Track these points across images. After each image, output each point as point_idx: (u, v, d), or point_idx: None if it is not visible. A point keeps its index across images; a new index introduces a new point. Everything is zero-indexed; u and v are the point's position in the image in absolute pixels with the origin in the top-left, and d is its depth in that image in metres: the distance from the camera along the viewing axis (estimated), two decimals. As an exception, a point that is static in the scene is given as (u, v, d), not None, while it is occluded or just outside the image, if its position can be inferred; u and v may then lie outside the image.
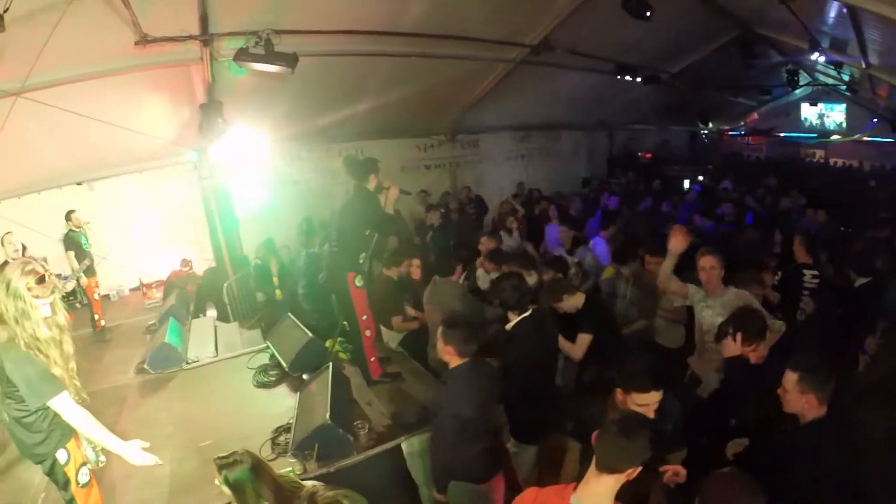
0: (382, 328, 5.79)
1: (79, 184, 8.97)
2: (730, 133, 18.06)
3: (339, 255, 5.10)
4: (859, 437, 2.81)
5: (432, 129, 11.93)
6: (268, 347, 5.99)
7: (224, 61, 6.74)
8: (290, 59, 6.26)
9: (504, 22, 7.96)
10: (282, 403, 5.00)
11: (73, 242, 7.52)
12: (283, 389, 5.30)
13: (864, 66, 9.32)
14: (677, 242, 4.30)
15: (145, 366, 5.94)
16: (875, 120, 13.69)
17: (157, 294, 8.76)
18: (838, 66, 10.44)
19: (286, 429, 4.39)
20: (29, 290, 2.82)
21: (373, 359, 5.11)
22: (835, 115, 14.99)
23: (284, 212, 9.24)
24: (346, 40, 7.16)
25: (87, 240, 7.82)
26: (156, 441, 3.81)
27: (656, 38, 9.29)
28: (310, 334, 5.37)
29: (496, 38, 8.31)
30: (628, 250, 5.71)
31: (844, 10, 7.07)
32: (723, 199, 9.79)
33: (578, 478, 2.31)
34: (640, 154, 16.49)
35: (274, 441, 4.28)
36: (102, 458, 3.37)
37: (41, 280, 2.87)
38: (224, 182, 8.39)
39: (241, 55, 6.23)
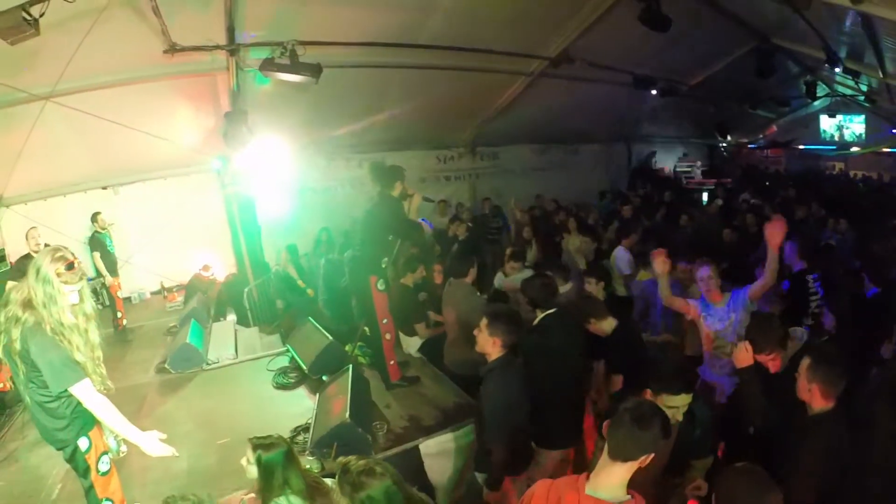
0: (401, 334, 5.85)
1: (104, 188, 9.20)
2: (749, 146, 17.95)
3: (362, 260, 5.16)
4: (864, 435, 2.80)
5: (452, 140, 12.05)
6: (288, 350, 6.07)
7: (249, 71, 6.93)
8: (314, 70, 6.40)
9: (524, 34, 8.07)
10: (301, 404, 5.08)
11: (98, 244, 7.70)
12: (302, 391, 5.37)
13: (881, 75, 9.27)
14: (659, 265, 4.44)
15: (166, 365, 6.06)
16: (894, 130, 13.56)
17: (179, 298, 8.89)
18: (856, 76, 10.37)
19: (304, 428, 4.46)
20: (58, 275, 2.90)
21: (392, 362, 5.17)
22: (854, 126, 14.87)
23: (305, 220, 9.39)
24: (368, 52, 7.33)
25: (112, 241, 7.99)
26: (174, 437, 3.88)
27: (674, 51, 9.33)
28: (330, 338, 5.43)
29: (516, 50, 8.42)
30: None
31: (859, 19, 7.04)
32: (742, 210, 9.73)
33: (590, 468, 2.33)
34: (657, 167, 16.45)
35: (292, 440, 4.31)
36: (124, 448, 3.44)
37: (70, 267, 2.94)
38: (247, 190, 8.53)
39: (267, 65, 6.39)
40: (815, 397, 2.79)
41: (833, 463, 2.64)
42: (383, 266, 4.95)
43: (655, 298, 5.26)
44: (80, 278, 3.03)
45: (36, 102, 6.58)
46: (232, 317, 7.94)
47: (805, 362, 2.84)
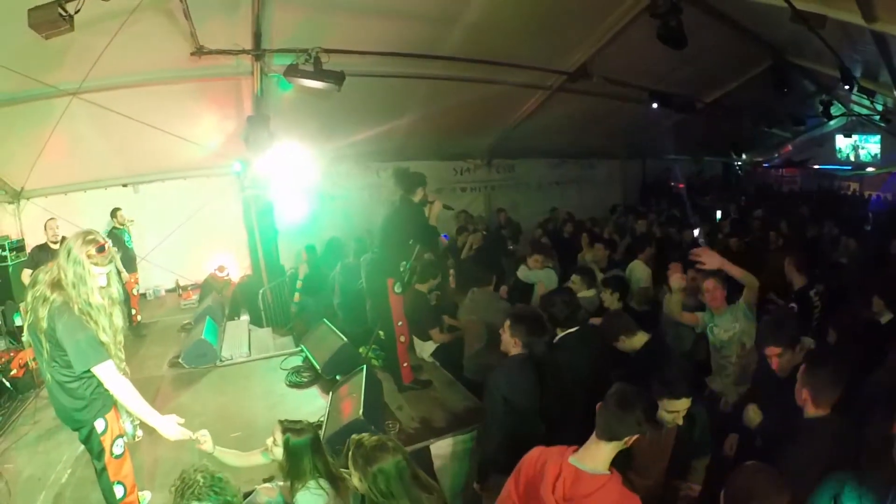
0: (414, 339, 5.91)
1: (124, 185, 9.38)
2: (764, 165, 17.92)
3: (380, 262, 5.24)
4: (853, 441, 2.80)
5: (469, 152, 12.16)
6: (301, 350, 6.15)
7: (273, 76, 7.07)
8: (337, 77, 6.53)
9: (543, 49, 8.15)
10: (313, 403, 5.14)
11: (116, 239, 7.81)
12: (314, 391, 5.43)
13: (896, 94, 9.28)
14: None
15: (180, 360, 6.13)
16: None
17: (193, 296, 9.02)
18: (871, 95, 10.36)
19: (317, 426, 4.50)
20: (89, 257, 3.00)
21: (405, 364, 5.23)
22: (870, 146, 14.81)
23: (322, 226, 9.48)
24: (391, 62, 7.43)
25: (131, 237, 8.12)
26: (187, 430, 4.02)
27: (691, 67, 9.38)
28: (344, 339, 5.51)
29: (535, 64, 8.51)
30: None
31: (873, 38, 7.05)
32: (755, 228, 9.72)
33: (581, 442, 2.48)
34: (672, 183, 16.46)
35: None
36: (140, 432, 3.52)
37: (101, 249, 3.05)
38: (266, 193, 8.66)
39: (291, 71, 6.53)
40: (807, 403, 2.85)
41: (817, 468, 2.64)
42: (402, 270, 5.03)
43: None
44: (110, 261, 3.13)
45: (62, 98, 6.78)
46: (245, 317, 8.03)
47: (802, 366, 2.92)
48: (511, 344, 3.63)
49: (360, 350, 5.62)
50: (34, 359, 5.68)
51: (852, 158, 15.30)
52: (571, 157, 13.67)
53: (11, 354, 5.97)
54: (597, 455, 2.35)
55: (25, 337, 5.47)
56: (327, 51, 6.57)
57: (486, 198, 12.69)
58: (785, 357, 3.36)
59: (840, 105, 12.77)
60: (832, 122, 13.95)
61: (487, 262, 7.41)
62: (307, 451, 2.95)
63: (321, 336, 6.01)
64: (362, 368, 4.77)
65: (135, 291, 7.97)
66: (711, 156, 16.69)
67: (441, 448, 4.34)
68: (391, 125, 9.25)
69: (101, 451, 3.23)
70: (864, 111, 12.82)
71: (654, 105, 9.91)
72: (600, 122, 11.40)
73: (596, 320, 4.85)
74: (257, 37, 6.49)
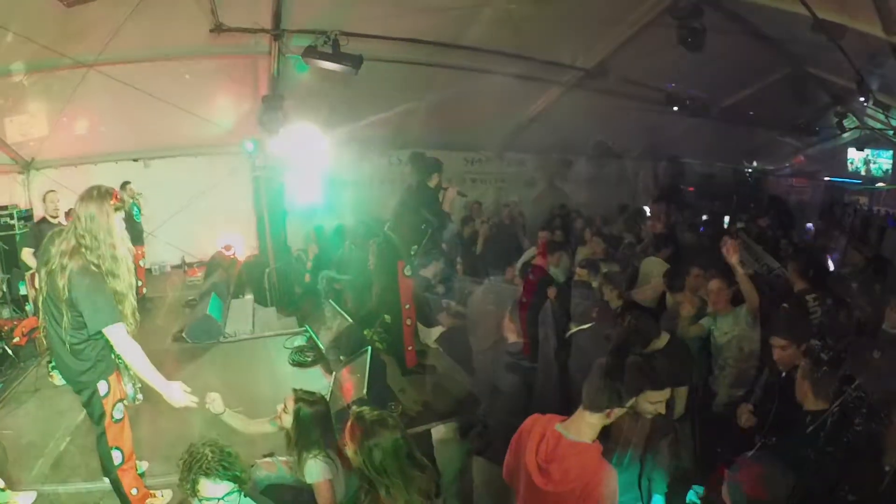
0: (419, 324, 5.93)
1: (135, 160, 9.37)
2: (775, 174, 17.84)
3: (391, 244, 5.26)
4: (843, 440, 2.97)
5: (482, 143, 12.11)
6: (306, 330, 6.17)
7: (291, 57, 7.06)
8: (355, 60, 6.52)
9: (562, 44, 8.16)
10: (316, 382, 5.15)
11: (125, 213, 7.79)
12: (318, 370, 5.48)
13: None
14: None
15: (184, 335, 6.17)
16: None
17: (199, 273, 9.06)
18: (887, 109, 10.31)
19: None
20: (113, 205, 3.16)
21: (410, 347, 5.26)
22: (882, 160, 14.72)
23: (332, 208, 9.40)
24: (410, 49, 7.44)
25: (140, 211, 8.13)
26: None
27: (708, 71, 9.34)
28: (350, 320, 5.54)
29: (553, 59, 8.51)
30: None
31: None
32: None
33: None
34: (682, 187, 16.38)
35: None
36: (140, 395, 3.55)
37: (115, 194, 3.24)
38: (277, 174, 8.66)
39: (310, 52, 6.52)
40: (803, 395, 3.02)
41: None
42: (412, 254, 5.05)
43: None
44: (124, 202, 3.34)
45: (78, 70, 6.77)
46: (250, 296, 8.06)
47: (802, 362, 3.05)
48: (508, 329, 3.68)
49: (365, 332, 5.64)
50: (37, 328, 5.79)
51: (863, 172, 15.21)
52: (584, 155, 13.60)
53: (15, 322, 6.02)
54: (580, 425, 2.40)
55: (30, 306, 5.52)
56: (346, 34, 6.56)
57: (495, 191, 12.62)
58: (788, 352, 3.48)
59: (854, 118, 12.69)
60: (846, 135, 13.86)
61: (500, 253, 7.43)
62: (318, 423, 2.98)
63: (326, 317, 6.04)
64: (367, 350, 4.80)
65: (142, 264, 7.97)
66: (723, 161, 16.61)
67: (441, 432, 4.35)
68: (405, 111, 9.24)
69: (102, 414, 3.29)
70: (879, 125, 12.74)
71: (672, 107, 9.87)
72: (615, 121, 11.35)
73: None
74: (277, 16, 6.50)
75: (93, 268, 3.05)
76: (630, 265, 6.82)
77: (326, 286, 7.20)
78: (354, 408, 2.76)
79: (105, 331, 3.07)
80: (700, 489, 3.20)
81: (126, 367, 3.37)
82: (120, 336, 3.11)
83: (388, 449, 2.50)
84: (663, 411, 3.10)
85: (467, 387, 5.04)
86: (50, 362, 5.43)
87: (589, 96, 9.68)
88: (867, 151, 14.78)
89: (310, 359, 5.59)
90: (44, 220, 6.43)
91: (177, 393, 3.22)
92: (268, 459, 3.46)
